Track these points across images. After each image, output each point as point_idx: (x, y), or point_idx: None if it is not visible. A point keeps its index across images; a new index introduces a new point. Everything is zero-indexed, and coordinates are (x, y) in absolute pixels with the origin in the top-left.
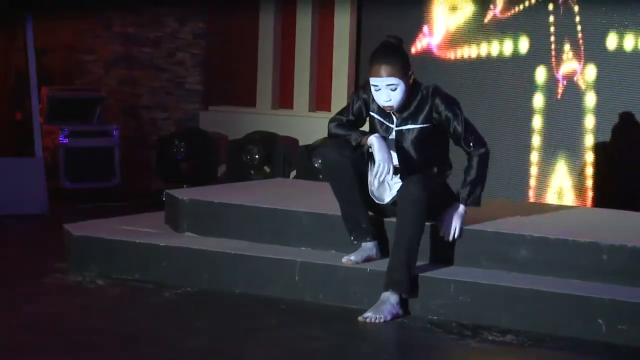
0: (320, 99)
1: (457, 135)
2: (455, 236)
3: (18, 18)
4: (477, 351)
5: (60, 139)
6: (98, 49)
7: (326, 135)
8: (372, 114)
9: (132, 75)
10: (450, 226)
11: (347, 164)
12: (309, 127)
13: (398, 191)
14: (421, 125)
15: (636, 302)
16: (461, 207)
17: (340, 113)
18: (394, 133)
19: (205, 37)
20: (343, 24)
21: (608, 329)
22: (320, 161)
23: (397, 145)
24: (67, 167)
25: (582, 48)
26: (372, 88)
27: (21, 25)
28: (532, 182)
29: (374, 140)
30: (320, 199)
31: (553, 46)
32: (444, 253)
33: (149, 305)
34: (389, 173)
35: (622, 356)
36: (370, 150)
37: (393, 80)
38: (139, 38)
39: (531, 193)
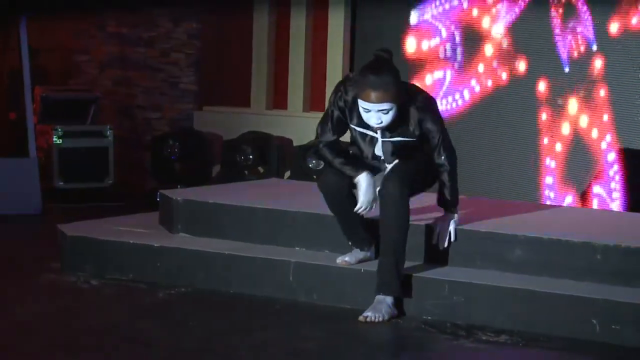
0: (314, 99)
1: (431, 146)
2: (452, 239)
3: (12, 18)
4: (471, 351)
5: (54, 139)
6: (92, 49)
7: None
8: (352, 126)
9: (126, 76)
10: (445, 233)
11: (344, 189)
12: (303, 127)
13: (379, 190)
14: (409, 139)
15: (630, 302)
16: (454, 216)
17: (322, 129)
18: (379, 143)
19: (199, 37)
20: (337, 24)
21: (602, 329)
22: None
23: (384, 149)
24: (61, 168)
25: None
26: (362, 110)
27: (15, 25)
28: (529, 182)
29: (360, 181)
30: (314, 199)
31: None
32: (438, 253)
33: (143, 305)
34: (368, 211)
35: (615, 356)
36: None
37: (385, 105)
38: (133, 38)
39: (528, 194)
